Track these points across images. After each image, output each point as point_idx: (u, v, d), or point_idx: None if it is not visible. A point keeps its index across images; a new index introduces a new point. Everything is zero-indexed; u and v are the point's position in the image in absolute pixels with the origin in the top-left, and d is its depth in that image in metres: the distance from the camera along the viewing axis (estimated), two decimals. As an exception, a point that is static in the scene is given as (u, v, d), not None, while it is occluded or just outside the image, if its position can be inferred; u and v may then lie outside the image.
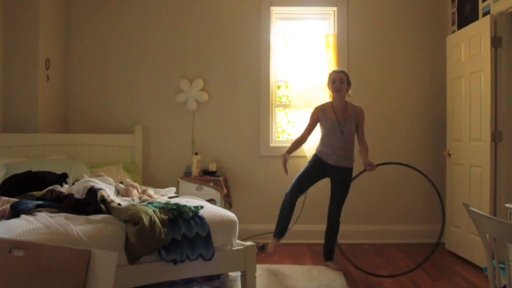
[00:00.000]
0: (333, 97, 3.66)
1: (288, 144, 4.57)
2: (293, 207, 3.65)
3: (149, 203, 2.73)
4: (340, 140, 3.55)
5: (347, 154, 3.59)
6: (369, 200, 4.49)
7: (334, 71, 3.68)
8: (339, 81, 3.58)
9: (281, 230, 3.69)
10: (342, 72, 3.65)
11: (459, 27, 4.17)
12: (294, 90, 4.54)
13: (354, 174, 3.66)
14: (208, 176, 4.32)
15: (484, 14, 3.72)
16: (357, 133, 3.67)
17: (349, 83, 3.64)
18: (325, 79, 3.74)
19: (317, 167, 3.63)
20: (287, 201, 3.64)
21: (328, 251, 3.69)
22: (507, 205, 2.71)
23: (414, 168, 3.71)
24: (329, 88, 3.69)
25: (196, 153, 4.48)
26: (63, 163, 3.81)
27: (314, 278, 3.36)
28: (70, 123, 4.69)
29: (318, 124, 3.70)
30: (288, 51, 4.57)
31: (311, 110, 3.80)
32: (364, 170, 3.60)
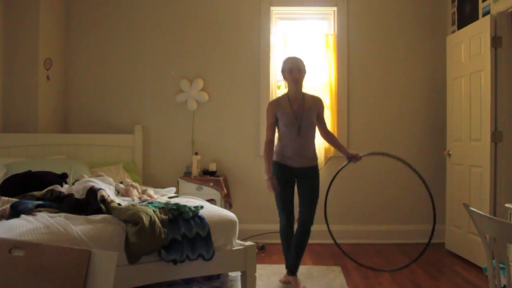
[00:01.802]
0: (289, 88, 3.27)
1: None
2: (292, 233, 3.29)
3: (149, 203, 2.74)
4: (297, 135, 3.18)
5: (310, 153, 3.25)
6: (369, 200, 4.49)
7: (290, 59, 3.28)
8: (297, 70, 3.20)
9: (292, 266, 3.25)
10: (300, 60, 3.26)
11: (459, 27, 4.16)
12: (294, 90, 4.54)
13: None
14: (208, 176, 4.32)
15: (484, 14, 3.72)
16: (319, 125, 3.35)
17: (305, 72, 3.28)
18: (282, 67, 3.31)
19: (284, 174, 3.23)
20: (284, 230, 3.28)
21: (294, 264, 3.25)
22: (507, 205, 2.71)
23: (402, 160, 3.46)
24: (284, 78, 3.31)
25: (196, 153, 4.48)
26: (63, 163, 3.81)
27: (314, 278, 3.37)
28: (70, 123, 4.69)
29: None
30: (288, 51, 4.57)
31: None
32: (349, 162, 3.34)
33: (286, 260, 3.34)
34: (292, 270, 3.24)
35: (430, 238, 3.29)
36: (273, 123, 3.25)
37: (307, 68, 3.29)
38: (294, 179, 3.27)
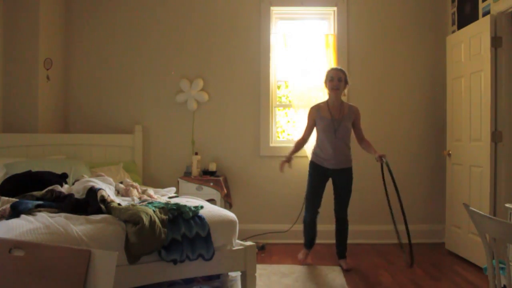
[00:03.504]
0: (330, 95, 3.64)
1: (289, 144, 4.61)
2: (315, 224, 3.71)
3: (149, 203, 2.73)
4: (333, 140, 3.53)
5: (344, 156, 3.60)
6: (369, 200, 4.49)
7: (332, 69, 3.68)
8: (337, 80, 3.57)
9: (311, 242, 3.76)
10: (341, 70, 3.64)
11: (459, 27, 4.16)
12: (294, 90, 4.54)
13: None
14: (208, 176, 4.32)
15: (484, 14, 3.72)
16: (356, 132, 3.68)
17: (346, 82, 3.64)
18: (323, 77, 3.72)
19: (319, 174, 3.62)
20: (308, 222, 3.70)
21: (342, 250, 3.70)
22: (507, 205, 2.71)
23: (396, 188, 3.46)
24: (326, 86, 3.67)
25: (196, 153, 4.48)
26: (63, 163, 3.81)
27: (314, 278, 3.37)
28: (70, 123, 4.69)
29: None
30: (288, 51, 4.57)
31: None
32: (383, 164, 3.48)
33: (305, 239, 3.77)
34: (340, 254, 3.68)
35: (409, 238, 3.38)
36: (311, 126, 3.67)
37: (349, 79, 3.67)
38: (327, 179, 3.64)
